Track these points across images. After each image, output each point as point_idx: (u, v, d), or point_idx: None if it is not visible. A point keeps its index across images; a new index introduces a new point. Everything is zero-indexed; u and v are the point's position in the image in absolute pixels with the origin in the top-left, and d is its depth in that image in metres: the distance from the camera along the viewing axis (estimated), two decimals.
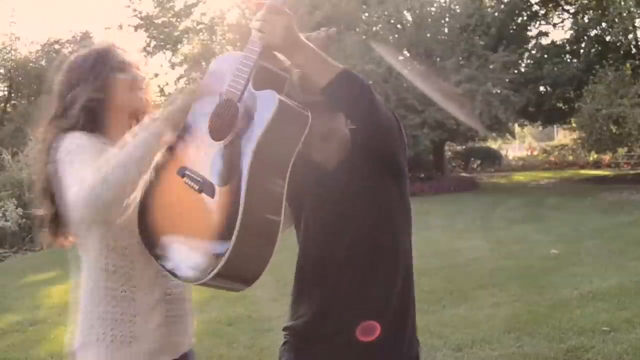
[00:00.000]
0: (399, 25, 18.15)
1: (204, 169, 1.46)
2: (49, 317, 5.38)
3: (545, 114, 19.40)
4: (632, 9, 14.89)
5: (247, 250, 1.39)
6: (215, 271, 1.36)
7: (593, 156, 23.14)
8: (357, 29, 16.98)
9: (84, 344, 1.60)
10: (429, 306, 5.06)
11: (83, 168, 1.45)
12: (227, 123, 1.44)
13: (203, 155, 1.47)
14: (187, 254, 1.46)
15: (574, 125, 16.43)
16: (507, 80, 15.94)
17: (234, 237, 1.35)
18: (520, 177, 20.97)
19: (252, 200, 1.38)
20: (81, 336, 1.61)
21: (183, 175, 1.48)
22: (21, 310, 5.76)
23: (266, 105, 1.40)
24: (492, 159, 26.12)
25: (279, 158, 1.44)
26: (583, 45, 17.84)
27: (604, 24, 17.25)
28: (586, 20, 18.23)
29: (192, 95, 1.54)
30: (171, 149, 1.53)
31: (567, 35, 19.28)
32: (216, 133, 1.46)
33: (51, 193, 1.56)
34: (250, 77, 1.44)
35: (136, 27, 18.78)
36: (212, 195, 1.42)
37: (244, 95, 1.44)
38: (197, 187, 1.45)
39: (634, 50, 17.09)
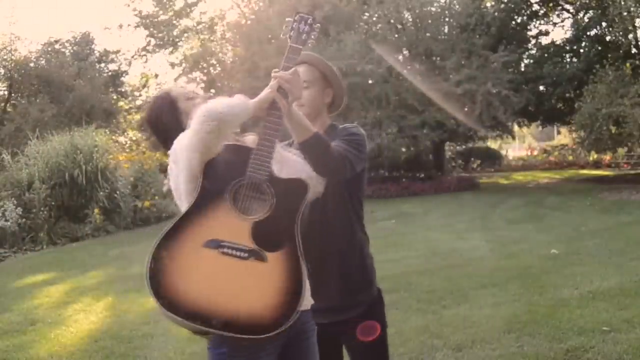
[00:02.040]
0: (398, 25, 18.14)
1: (243, 238, 1.69)
2: (49, 317, 5.39)
3: (545, 114, 19.39)
4: (632, 8, 14.88)
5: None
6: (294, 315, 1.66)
7: (593, 156, 23.13)
8: (357, 29, 16.96)
9: None
10: (429, 306, 5.06)
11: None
12: (258, 202, 1.75)
13: (236, 228, 1.71)
14: (251, 313, 1.66)
15: (573, 124, 16.38)
16: (507, 80, 15.92)
17: (304, 286, 1.68)
18: (520, 177, 20.97)
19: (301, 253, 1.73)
20: None
21: (216, 247, 1.68)
22: (21, 310, 5.76)
23: (297, 189, 1.80)
24: (492, 159, 26.13)
25: (304, 219, 1.81)
26: (583, 44, 17.82)
27: (604, 24, 17.24)
28: (586, 20, 18.21)
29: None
30: (190, 225, 1.73)
31: (567, 35, 19.28)
32: (248, 210, 1.74)
33: None
34: (271, 160, 1.78)
35: (136, 27, 18.78)
36: (263, 260, 1.68)
37: (270, 176, 1.77)
38: (244, 255, 1.68)
39: (634, 50, 17.07)
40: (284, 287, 1.66)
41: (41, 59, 19.05)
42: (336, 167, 1.94)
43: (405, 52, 17.68)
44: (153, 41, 18.90)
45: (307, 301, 1.85)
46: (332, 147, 1.93)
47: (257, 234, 1.70)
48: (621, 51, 16.96)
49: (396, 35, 17.77)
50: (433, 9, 17.93)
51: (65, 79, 18.29)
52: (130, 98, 20.80)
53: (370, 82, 15.85)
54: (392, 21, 17.91)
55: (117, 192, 11.36)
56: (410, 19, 17.89)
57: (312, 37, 1.95)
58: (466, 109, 15.96)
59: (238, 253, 1.67)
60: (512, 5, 18.16)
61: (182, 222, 1.72)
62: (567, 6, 19.55)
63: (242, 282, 1.66)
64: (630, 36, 16.49)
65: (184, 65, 18.47)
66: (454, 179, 18.60)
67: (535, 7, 19.37)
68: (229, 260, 1.67)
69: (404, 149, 18.36)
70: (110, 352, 4.29)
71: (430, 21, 17.49)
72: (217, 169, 1.76)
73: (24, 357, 4.40)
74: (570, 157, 25.62)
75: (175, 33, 18.82)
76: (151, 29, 18.66)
